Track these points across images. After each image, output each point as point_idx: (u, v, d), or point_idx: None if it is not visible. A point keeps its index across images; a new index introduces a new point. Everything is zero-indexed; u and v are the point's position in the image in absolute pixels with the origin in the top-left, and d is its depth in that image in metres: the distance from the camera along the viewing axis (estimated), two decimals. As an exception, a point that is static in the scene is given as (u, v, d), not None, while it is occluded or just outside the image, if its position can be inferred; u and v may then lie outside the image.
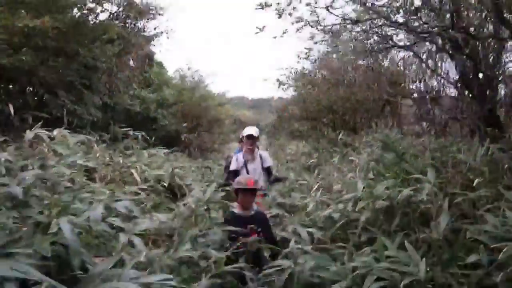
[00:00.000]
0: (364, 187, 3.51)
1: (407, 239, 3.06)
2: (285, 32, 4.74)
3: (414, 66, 6.41)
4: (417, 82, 7.29)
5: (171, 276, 2.05)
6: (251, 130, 5.19)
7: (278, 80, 10.92)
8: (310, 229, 3.46)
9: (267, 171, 5.21)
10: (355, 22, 4.27)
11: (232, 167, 5.21)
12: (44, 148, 4.55)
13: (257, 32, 4.58)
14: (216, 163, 10.76)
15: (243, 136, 5.57)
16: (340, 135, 7.98)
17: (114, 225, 2.68)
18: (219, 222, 3.89)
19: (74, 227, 1.91)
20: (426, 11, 3.96)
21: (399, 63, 7.02)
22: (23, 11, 5.36)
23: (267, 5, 4.09)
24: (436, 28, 3.77)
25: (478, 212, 3.08)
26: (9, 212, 2.26)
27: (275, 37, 4.83)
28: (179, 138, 11.85)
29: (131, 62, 11.07)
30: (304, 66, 10.10)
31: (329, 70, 8.68)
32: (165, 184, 5.22)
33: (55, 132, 5.38)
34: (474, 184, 3.25)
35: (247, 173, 4.98)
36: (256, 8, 4.10)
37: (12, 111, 5.72)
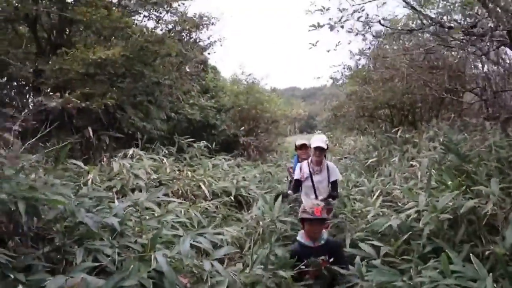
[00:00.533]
0: (426, 199, 3.56)
1: (474, 251, 3.11)
2: (338, 45, 4.85)
3: (472, 57, 6.14)
4: (479, 73, 7.03)
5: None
6: (319, 142, 4.74)
7: (331, 77, 10.98)
8: (375, 243, 3.52)
9: (333, 184, 4.83)
10: (409, 31, 4.27)
11: (296, 176, 4.88)
12: (123, 169, 5.07)
13: (311, 48, 4.71)
14: (276, 164, 11.05)
15: (303, 145, 5.40)
16: (399, 132, 7.90)
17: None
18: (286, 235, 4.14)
19: (168, 259, 2.24)
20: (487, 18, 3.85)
21: (458, 55, 6.75)
22: (95, 44, 6.01)
23: (320, 26, 4.20)
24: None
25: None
26: (110, 242, 2.66)
27: (328, 51, 4.94)
28: (238, 141, 12.29)
29: (187, 68, 11.66)
30: (357, 62, 10.06)
31: (383, 65, 8.54)
32: (232, 197, 5.56)
33: (130, 151, 5.98)
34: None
35: (312, 184, 4.74)
36: (309, 30, 4.24)
37: (91, 133, 6.39)
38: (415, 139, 7.58)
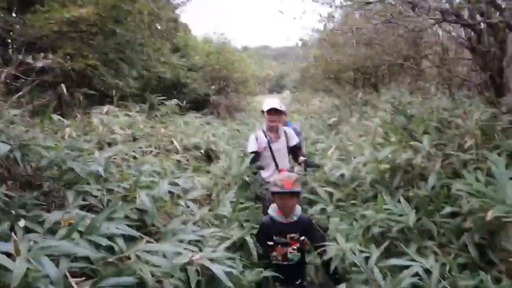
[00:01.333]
0: (371, 152, 4.14)
1: (407, 194, 3.73)
2: (304, 13, 5.16)
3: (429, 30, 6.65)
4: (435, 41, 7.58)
5: (219, 229, 2.84)
6: (273, 103, 4.28)
7: (301, 39, 11.36)
8: (329, 189, 4.08)
9: (294, 149, 4.48)
10: (367, 3, 4.66)
11: (251, 148, 4.35)
12: (99, 125, 5.37)
13: (279, 15, 4.98)
14: (244, 123, 11.52)
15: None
16: (360, 94, 8.49)
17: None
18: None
19: (150, 198, 2.68)
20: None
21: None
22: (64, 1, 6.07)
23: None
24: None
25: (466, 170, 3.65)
26: (96, 186, 3.06)
27: (294, 18, 5.26)
28: (208, 100, 12.58)
29: (158, 26, 11.61)
30: (325, 26, 10.42)
31: (350, 31, 8.94)
32: (202, 151, 5.98)
33: (105, 108, 6.24)
34: (466, 146, 3.80)
35: (272, 154, 4.33)
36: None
37: (64, 90, 6.54)
38: (374, 101, 8.19)
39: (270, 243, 2.95)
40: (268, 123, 4.34)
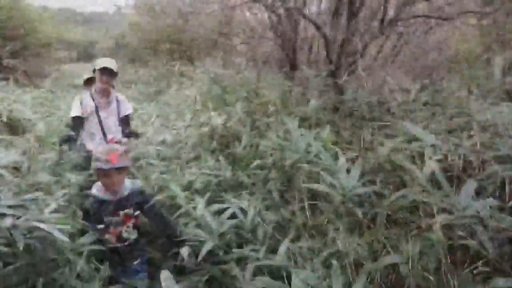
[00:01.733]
0: (191, 118, 4.50)
1: (224, 154, 4.24)
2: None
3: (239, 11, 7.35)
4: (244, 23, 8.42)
5: (40, 194, 2.68)
6: (108, 62, 3.76)
7: (115, 5, 10.75)
8: (158, 147, 4.25)
9: (124, 120, 4.06)
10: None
11: (75, 112, 3.80)
12: None
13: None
14: (51, 91, 10.35)
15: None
16: (177, 66, 8.76)
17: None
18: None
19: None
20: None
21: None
22: None
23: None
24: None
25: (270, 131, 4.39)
26: None
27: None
28: (1, 64, 10.69)
29: None
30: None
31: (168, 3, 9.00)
32: (3, 119, 5.20)
33: None
34: (269, 112, 4.54)
35: (99, 121, 3.86)
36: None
37: None
38: (190, 73, 8.60)
39: (101, 226, 2.59)
40: (100, 85, 3.80)
